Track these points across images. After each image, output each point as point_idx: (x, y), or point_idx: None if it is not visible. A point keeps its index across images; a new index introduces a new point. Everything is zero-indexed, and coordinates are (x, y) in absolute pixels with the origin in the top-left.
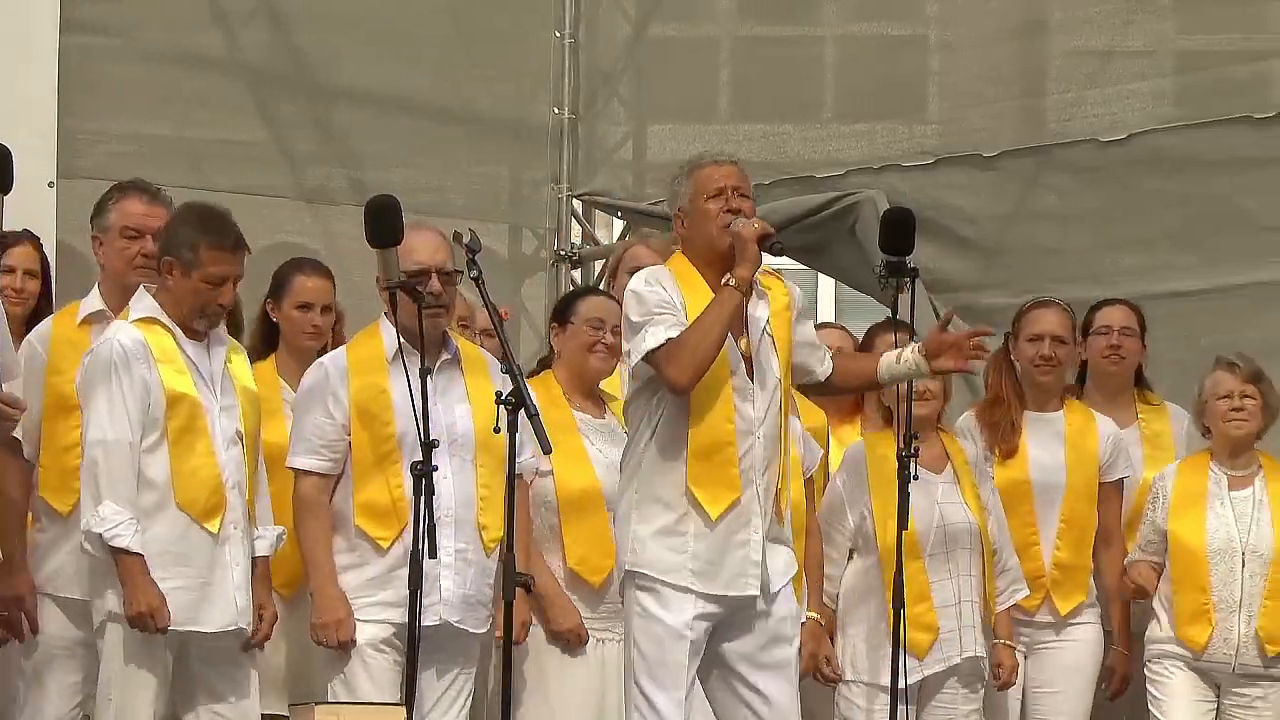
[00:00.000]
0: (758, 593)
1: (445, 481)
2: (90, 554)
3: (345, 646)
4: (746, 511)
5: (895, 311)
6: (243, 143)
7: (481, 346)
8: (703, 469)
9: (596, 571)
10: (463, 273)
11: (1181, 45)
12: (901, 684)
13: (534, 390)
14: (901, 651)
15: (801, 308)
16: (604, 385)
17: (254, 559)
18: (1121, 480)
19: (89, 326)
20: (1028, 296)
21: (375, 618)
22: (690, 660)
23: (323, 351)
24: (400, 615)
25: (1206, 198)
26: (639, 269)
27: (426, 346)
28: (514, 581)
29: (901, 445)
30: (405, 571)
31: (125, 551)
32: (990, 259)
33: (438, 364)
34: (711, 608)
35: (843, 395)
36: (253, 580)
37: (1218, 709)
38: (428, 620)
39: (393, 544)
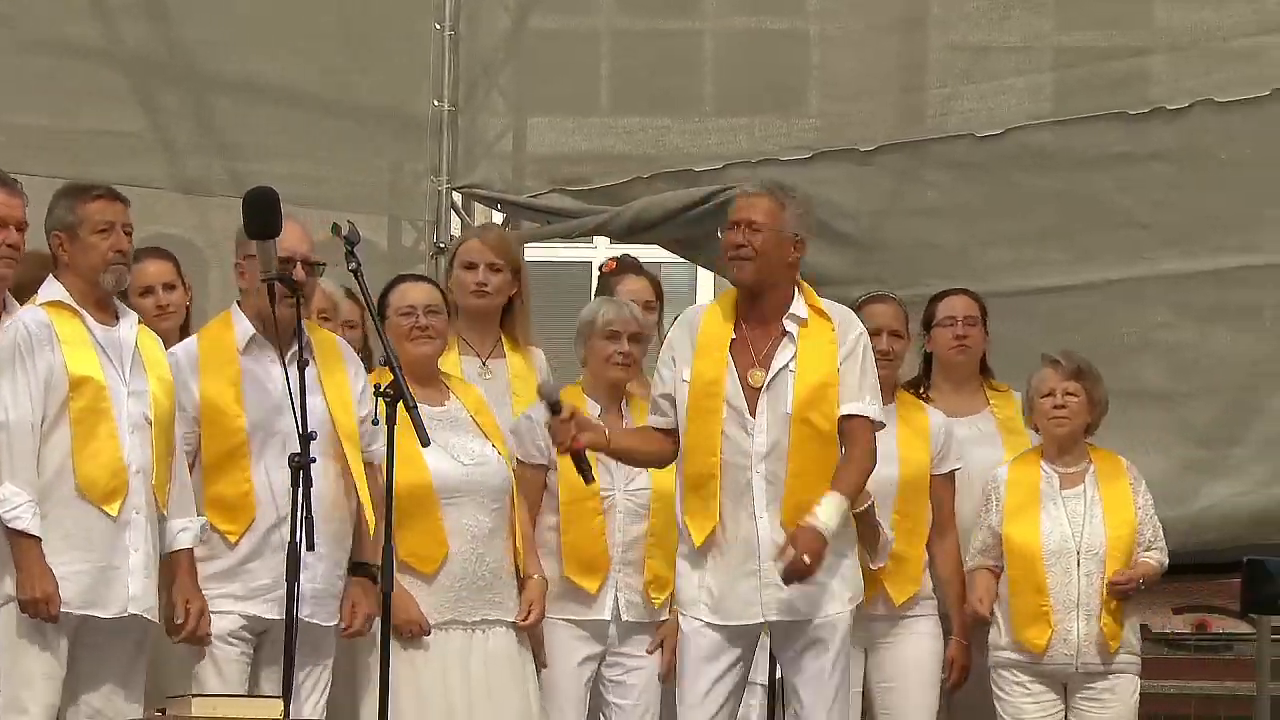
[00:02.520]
0: (762, 620)
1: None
2: None
3: (201, 640)
4: (752, 542)
5: None
6: (121, 133)
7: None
8: (692, 500)
9: (428, 561)
10: (325, 264)
11: (1058, 41)
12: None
13: (372, 384)
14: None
15: (854, 349)
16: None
17: (178, 551)
18: (953, 472)
19: None
20: (904, 291)
21: (223, 609)
22: (700, 673)
23: (185, 328)
24: (248, 608)
25: (1082, 194)
26: (472, 264)
27: (281, 337)
28: (381, 573)
29: None
30: (255, 565)
31: (23, 534)
32: (867, 253)
33: (288, 355)
34: (722, 635)
35: None
36: (178, 574)
37: (1065, 710)
38: (278, 614)
39: (241, 538)
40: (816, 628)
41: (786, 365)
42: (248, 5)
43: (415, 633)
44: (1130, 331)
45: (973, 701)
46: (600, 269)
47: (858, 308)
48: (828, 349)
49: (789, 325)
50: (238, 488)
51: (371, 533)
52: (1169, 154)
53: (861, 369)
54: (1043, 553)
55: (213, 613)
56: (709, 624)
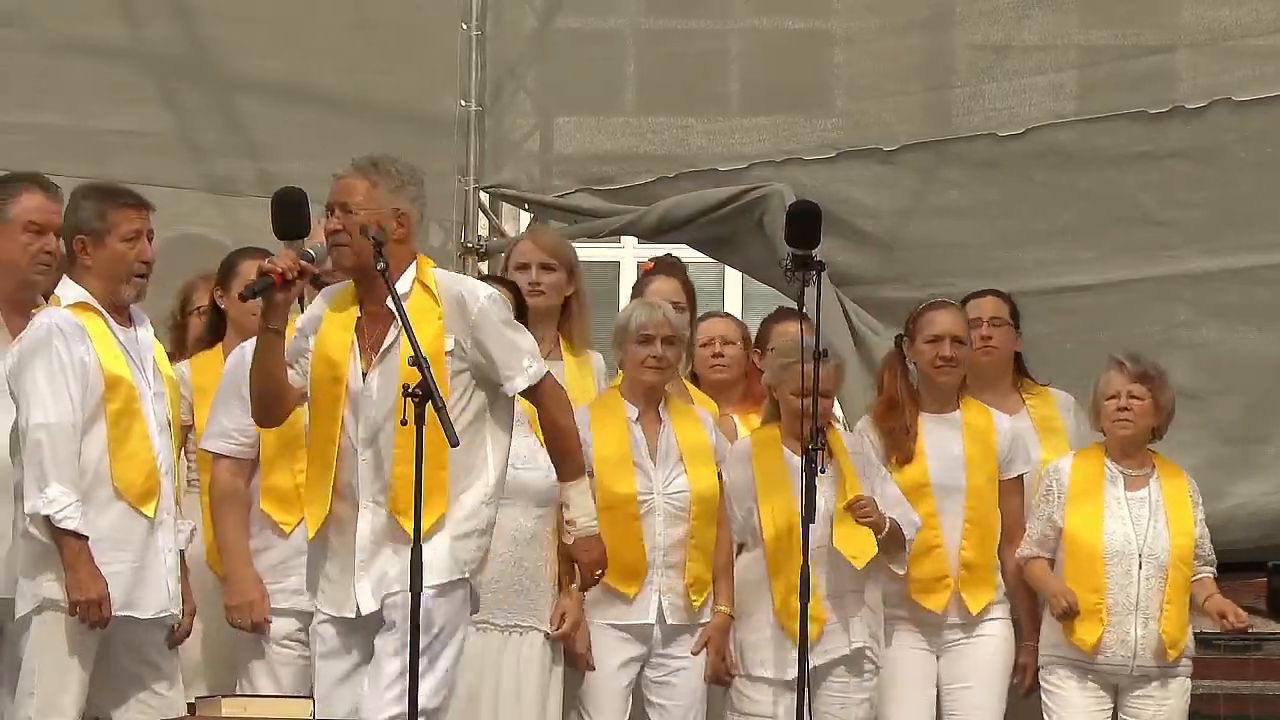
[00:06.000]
0: (354, 615)
1: None
2: (35, 538)
3: (259, 629)
4: (350, 530)
5: (802, 305)
6: (146, 133)
7: None
8: (310, 490)
9: None
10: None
11: (1079, 39)
12: (792, 675)
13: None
14: (805, 643)
15: (483, 321)
16: None
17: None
18: (1021, 476)
19: None
20: (928, 290)
21: (281, 605)
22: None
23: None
24: (306, 602)
25: (1104, 192)
26: (525, 264)
27: None
28: (411, 576)
29: (807, 439)
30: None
31: (73, 535)
32: (890, 253)
33: None
34: (336, 626)
35: None
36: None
37: (1115, 710)
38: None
39: (295, 529)
40: (388, 608)
41: (392, 346)
42: (273, 5)
43: None
44: (1155, 330)
45: (1031, 702)
46: (640, 268)
47: (918, 315)
48: (433, 326)
49: (392, 305)
50: (293, 479)
51: None
52: (1189, 152)
53: (501, 339)
54: (1104, 551)
55: (272, 610)
56: (329, 616)
